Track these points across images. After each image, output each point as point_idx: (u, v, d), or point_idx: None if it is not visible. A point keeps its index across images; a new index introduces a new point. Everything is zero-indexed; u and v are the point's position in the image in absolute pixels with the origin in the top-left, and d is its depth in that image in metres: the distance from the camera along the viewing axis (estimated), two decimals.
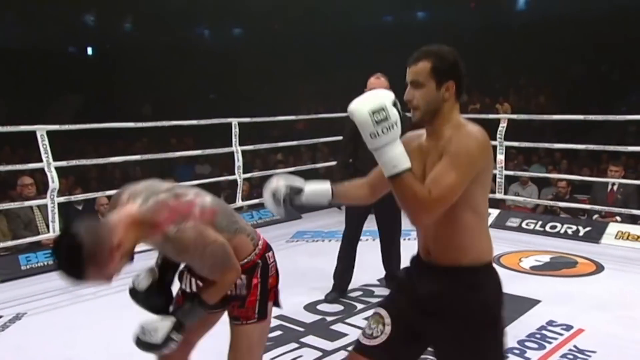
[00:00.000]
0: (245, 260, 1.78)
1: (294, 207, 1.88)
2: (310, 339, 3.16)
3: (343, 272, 3.85)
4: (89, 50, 17.64)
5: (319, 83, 14.31)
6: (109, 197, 5.76)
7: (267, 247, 1.89)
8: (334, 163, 7.67)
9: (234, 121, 5.61)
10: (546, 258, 4.67)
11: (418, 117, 1.69)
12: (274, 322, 3.30)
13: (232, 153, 5.69)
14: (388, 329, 1.75)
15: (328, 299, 3.73)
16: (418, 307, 1.72)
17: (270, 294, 1.82)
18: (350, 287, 3.95)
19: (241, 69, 15.03)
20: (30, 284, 4.18)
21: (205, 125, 5.86)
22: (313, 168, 7.15)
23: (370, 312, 3.51)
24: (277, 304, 1.90)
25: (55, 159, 4.58)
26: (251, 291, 1.78)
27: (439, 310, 1.68)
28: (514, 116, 6.09)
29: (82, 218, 1.56)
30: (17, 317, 3.54)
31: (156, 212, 1.62)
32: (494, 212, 5.74)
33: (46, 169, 4.51)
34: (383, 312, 1.79)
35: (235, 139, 5.60)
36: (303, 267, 4.34)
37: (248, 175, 5.93)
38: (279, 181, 1.87)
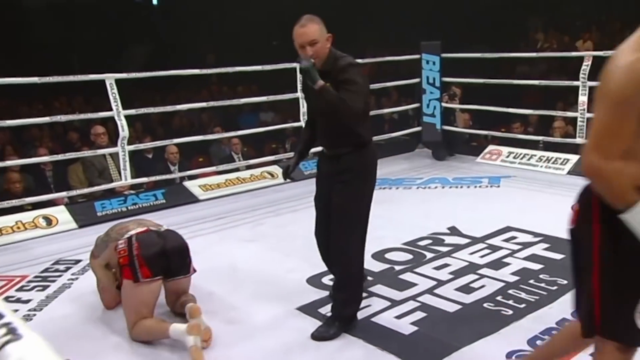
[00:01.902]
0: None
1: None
2: (378, 288, 3.10)
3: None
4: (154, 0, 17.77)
5: (383, 29, 13.74)
6: (177, 145, 5.86)
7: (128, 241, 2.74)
8: (400, 108, 7.48)
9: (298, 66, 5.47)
10: None
11: None
12: None
13: (297, 99, 5.59)
14: None
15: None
16: None
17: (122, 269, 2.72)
18: (419, 235, 3.86)
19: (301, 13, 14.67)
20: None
21: (269, 73, 5.76)
22: (379, 114, 6.96)
23: (440, 262, 3.43)
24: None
25: (124, 108, 4.65)
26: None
27: None
28: (600, 53, 5.58)
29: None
30: None
31: None
32: (573, 158, 5.38)
33: (116, 117, 4.60)
34: None
35: (300, 85, 5.48)
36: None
37: None
38: None
